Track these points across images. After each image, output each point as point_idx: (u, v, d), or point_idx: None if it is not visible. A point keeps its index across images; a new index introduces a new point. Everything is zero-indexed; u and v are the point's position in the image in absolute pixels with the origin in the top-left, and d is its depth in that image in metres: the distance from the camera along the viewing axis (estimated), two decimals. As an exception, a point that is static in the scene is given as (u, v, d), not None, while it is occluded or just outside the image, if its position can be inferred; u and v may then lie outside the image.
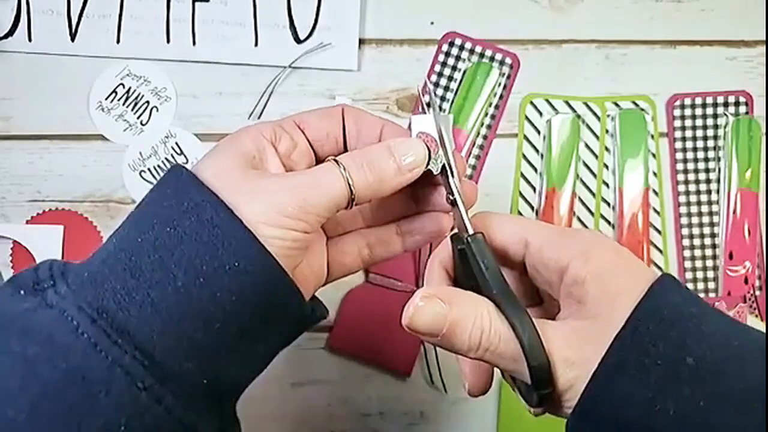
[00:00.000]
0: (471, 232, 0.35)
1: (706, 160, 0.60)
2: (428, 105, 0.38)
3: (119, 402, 0.30)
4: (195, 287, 0.32)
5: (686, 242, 0.59)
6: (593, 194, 0.59)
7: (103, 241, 0.35)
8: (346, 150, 0.40)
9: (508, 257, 0.37)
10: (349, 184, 0.35)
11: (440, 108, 0.59)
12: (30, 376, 0.30)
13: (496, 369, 0.36)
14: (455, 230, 0.37)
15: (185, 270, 0.32)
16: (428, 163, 0.37)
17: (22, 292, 0.32)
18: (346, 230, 0.42)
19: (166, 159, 0.58)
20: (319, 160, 0.40)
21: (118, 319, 0.31)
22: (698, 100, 0.60)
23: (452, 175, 0.37)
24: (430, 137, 0.37)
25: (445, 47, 0.59)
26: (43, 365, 0.30)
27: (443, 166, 0.37)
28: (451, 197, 0.37)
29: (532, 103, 0.60)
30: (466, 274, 0.36)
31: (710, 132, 0.60)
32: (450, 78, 0.59)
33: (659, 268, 0.59)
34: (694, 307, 0.32)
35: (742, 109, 0.60)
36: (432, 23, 0.60)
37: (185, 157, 0.58)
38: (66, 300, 0.31)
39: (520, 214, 0.59)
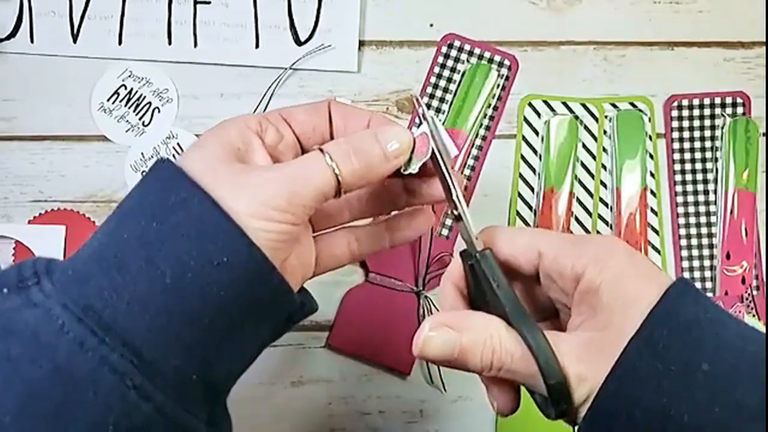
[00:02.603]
0: (479, 248, 0.35)
1: (704, 160, 0.60)
2: (424, 117, 0.37)
3: (107, 401, 0.29)
4: (183, 283, 0.31)
5: (684, 242, 0.59)
6: (591, 195, 0.59)
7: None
8: None
9: (521, 270, 0.36)
10: (335, 173, 0.34)
11: (438, 110, 0.59)
12: (14, 377, 0.29)
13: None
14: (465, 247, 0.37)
15: (173, 266, 0.31)
16: (410, 160, 0.36)
17: (5, 290, 0.31)
18: (334, 223, 0.42)
19: (168, 160, 0.58)
20: (305, 153, 0.39)
21: (104, 316, 0.30)
22: (696, 101, 0.60)
23: (455, 190, 0.36)
24: (425, 137, 0.36)
25: (444, 49, 0.60)
26: (28, 365, 0.29)
27: (445, 183, 0.36)
28: (455, 212, 0.36)
29: (530, 104, 0.60)
30: (477, 289, 0.36)
31: (707, 133, 0.60)
32: (449, 79, 0.60)
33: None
34: (710, 313, 0.31)
35: (740, 110, 0.60)
36: (431, 25, 0.60)
37: (186, 157, 0.58)
38: (51, 298, 0.31)
39: (518, 214, 0.59)
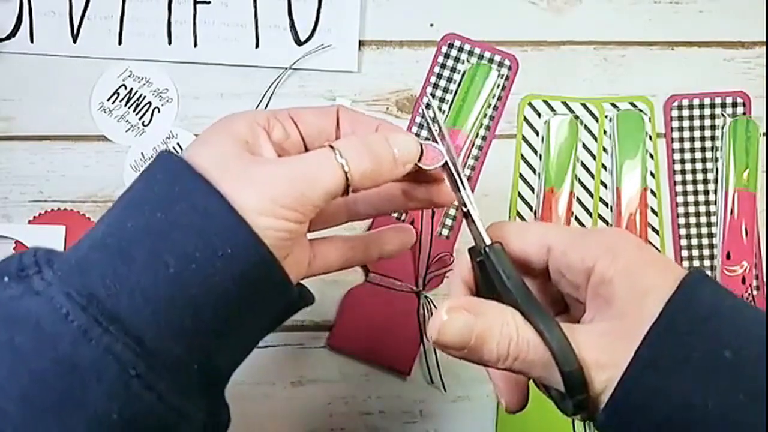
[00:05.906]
0: (488, 242, 0.35)
1: (704, 160, 0.60)
2: (433, 120, 0.38)
3: (111, 390, 0.30)
4: (186, 274, 0.31)
5: (684, 242, 0.59)
6: (591, 195, 0.59)
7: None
8: None
9: (529, 265, 0.36)
10: (345, 173, 0.34)
11: (440, 109, 0.59)
12: (18, 366, 0.29)
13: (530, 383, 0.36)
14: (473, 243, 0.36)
15: (177, 256, 0.31)
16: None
17: (6, 279, 0.31)
18: (331, 224, 0.42)
19: (168, 159, 0.58)
20: None
21: (108, 306, 0.30)
22: (696, 101, 0.60)
23: (464, 187, 0.36)
24: (438, 151, 0.37)
25: (444, 49, 0.60)
26: (32, 354, 0.29)
27: (454, 180, 0.37)
28: (464, 209, 0.36)
29: (530, 104, 0.60)
30: (487, 286, 0.35)
31: (707, 133, 0.60)
32: (449, 79, 0.60)
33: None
34: (728, 301, 0.31)
35: (740, 109, 0.60)
36: (431, 25, 0.60)
37: (186, 157, 0.58)
38: (53, 287, 0.30)
39: (518, 214, 0.59)
